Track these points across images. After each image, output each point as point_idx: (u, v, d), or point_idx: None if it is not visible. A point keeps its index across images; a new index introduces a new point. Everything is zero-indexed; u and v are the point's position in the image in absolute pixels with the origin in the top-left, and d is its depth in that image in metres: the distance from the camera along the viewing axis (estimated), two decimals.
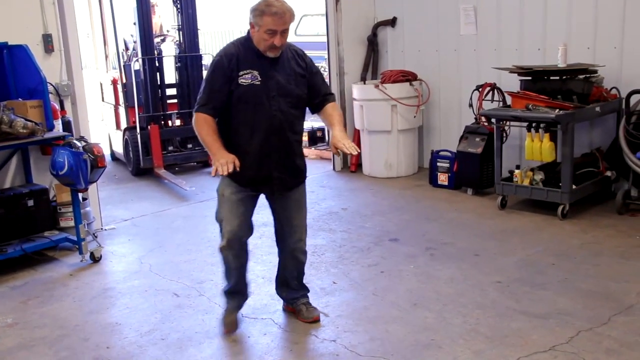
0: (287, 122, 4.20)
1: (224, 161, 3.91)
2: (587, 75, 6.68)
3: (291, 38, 15.21)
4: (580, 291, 4.84)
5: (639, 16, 6.64)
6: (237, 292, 4.48)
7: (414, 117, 8.28)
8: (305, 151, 9.68)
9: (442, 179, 7.83)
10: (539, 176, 6.73)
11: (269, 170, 4.24)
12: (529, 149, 6.60)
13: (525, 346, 4.10)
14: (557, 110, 6.34)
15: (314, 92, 4.31)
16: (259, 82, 4.07)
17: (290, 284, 4.66)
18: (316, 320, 4.54)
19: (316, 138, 10.04)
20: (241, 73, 4.04)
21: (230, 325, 4.42)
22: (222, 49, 4.18)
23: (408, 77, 8.27)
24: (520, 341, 4.17)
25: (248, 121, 4.12)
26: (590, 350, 3.99)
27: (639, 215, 6.35)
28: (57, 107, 6.22)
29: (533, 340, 4.18)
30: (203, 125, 4.06)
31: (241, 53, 4.08)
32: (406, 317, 4.61)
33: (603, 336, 4.17)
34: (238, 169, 3.96)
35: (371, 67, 8.97)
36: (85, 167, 5.54)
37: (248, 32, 4.15)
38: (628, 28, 6.75)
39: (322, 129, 10.09)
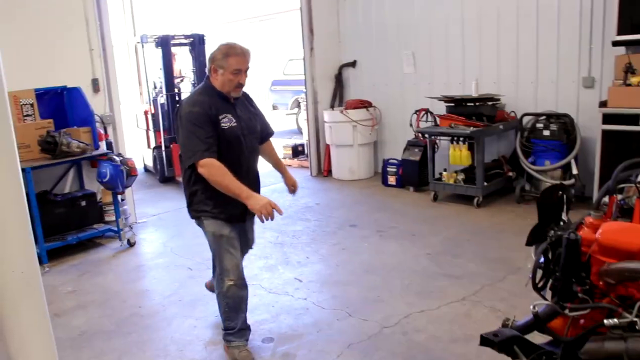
0: (256, 156, 3.69)
1: (268, 205, 3.16)
2: (494, 102, 6.82)
3: (280, 77, 15.21)
4: (486, 258, 5.02)
5: (528, 61, 6.80)
6: (245, 327, 3.69)
7: (370, 134, 8.35)
8: (289, 161, 9.91)
9: (391, 180, 7.91)
10: (461, 176, 6.86)
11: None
12: (452, 157, 6.71)
13: (444, 298, 4.28)
14: (472, 128, 6.50)
15: (262, 128, 3.75)
16: (235, 124, 3.43)
17: None
18: None
19: (298, 151, 10.08)
20: (220, 117, 3.37)
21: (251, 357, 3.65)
22: (190, 102, 3.40)
23: (365, 104, 8.35)
24: (441, 294, 4.34)
25: (233, 161, 3.41)
26: (489, 299, 4.19)
27: (531, 203, 6.49)
28: (102, 132, 6.29)
29: (450, 293, 4.35)
30: (223, 173, 3.25)
31: (211, 100, 3.39)
32: (359, 280, 4.74)
33: (499, 289, 4.36)
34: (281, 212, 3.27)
35: (338, 97, 9.01)
36: (122, 175, 5.64)
37: (205, 82, 3.49)
38: (521, 69, 6.90)
39: (302, 145, 10.14)
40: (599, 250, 2.00)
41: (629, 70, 5.69)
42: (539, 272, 2.26)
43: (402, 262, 5.08)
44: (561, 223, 2.40)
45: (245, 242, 3.87)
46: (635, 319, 1.86)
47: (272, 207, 3.16)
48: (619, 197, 2.34)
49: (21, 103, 5.61)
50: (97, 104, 6.31)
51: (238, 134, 3.45)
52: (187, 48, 8.94)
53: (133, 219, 6.75)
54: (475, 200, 6.63)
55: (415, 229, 6.01)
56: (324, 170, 8.98)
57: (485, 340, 2.24)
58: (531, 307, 2.19)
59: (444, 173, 7.04)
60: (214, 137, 3.32)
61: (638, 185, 2.20)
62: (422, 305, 4.20)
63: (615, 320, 1.90)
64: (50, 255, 5.51)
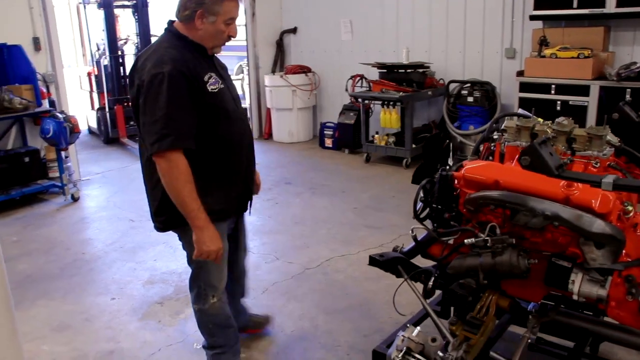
0: (249, 127, 2.78)
1: (215, 254, 2.50)
2: (423, 69, 7.26)
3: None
4: (407, 212, 5.23)
5: (457, 32, 7.26)
6: (236, 341, 2.96)
7: (308, 98, 8.66)
8: None
9: (328, 142, 8.26)
10: (392, 139, 7.32)
11: (249, 185, 2.76)
12: (383, 120, 7.14)
13: (364, 244, 4.73)
14: (401, 93, 6.96)
15: None
16: (223, 86, 2.52)
17: (239, 307, 3.23)
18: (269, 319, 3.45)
19: None
20: (206, 78, 2.43)
21: None
22: (157, 60, 2.35)
23: (304, 70, 8.65)
24: (362, 242, 4.79)
25: (229, 134, 2.55)
26: (402, 244, 4.69)
27: None
28: (45, 90, 6.39)
29: (370, 241, 4.80)
30: (183, 180, 2.36)
31: (186, 56, 2.41)
32: (289, 230, 5.14)
33: None
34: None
35: (279, 62, 9.25)
36: (65, 132, 5.83)
37: (172, 31, 2.50)
38: (450, 39, 7.35)
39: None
40: (464, 184, 2.46)
41: (543, 43, 6.24)
42: (421, 205, 2.72)
43: (331, 215, 5.50)
44: (447, 167, 2.87)
45: (242, 240, 3.07)
46: (487, 238, 2.34)
47: (215, 257, 2.54)
48: (492, 144, 2.82)
49: None
50: (39, 63, 6.42)
51: (229, 97, 2.57)
52: (130, 10, 9.03)
53: (77, 177, 6.91)
54: (405, 161, 7.10)
55: (346, 186, 6.43)
56: (265, 133, 9.26)
57: (372, 260, 2.70)
58: (410, 231, 2.66)
59: (376, 136, 7.47)
60: (192, 113, 2.38)
61: (501, 132, 2.68)
62: (344, 250, 4.64)
63: (472, 239, 2.38)
64: None
